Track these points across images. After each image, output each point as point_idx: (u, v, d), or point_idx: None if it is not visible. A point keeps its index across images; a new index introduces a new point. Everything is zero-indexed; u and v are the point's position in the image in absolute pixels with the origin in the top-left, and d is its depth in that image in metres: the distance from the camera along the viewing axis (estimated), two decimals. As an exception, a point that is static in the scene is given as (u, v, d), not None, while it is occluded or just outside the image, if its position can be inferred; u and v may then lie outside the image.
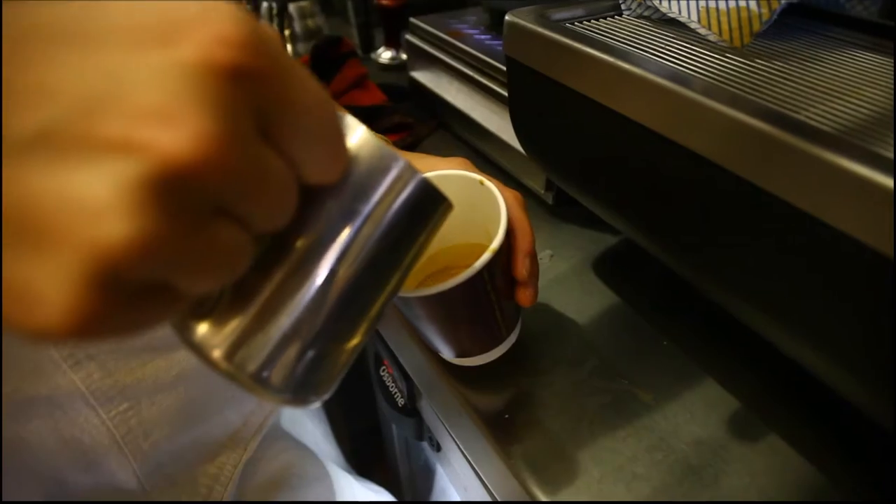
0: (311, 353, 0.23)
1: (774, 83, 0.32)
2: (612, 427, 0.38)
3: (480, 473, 0.43)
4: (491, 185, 0.36)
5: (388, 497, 0.74)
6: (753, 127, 0.27)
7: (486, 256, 0.31)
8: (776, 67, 0.34)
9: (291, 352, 0.22)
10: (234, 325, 0.21)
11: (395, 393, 0.59)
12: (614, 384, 0.40)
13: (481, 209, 0.37)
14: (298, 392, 0.23)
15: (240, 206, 0.17)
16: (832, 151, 0.25)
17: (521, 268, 0.35)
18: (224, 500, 0.50)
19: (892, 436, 0.29)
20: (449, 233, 0.40)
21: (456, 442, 0.47)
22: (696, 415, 0.39)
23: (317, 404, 0.25)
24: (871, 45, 0.37)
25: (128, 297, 0.15)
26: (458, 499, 0.72)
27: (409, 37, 0.73)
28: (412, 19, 0.72)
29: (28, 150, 0.14)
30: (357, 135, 0.22)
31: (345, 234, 0.22)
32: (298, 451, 0.61)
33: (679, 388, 0.40)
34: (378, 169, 0.23)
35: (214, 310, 0.21)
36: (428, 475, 0.85)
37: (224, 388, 0.50)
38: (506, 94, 0.57)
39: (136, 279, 0.15)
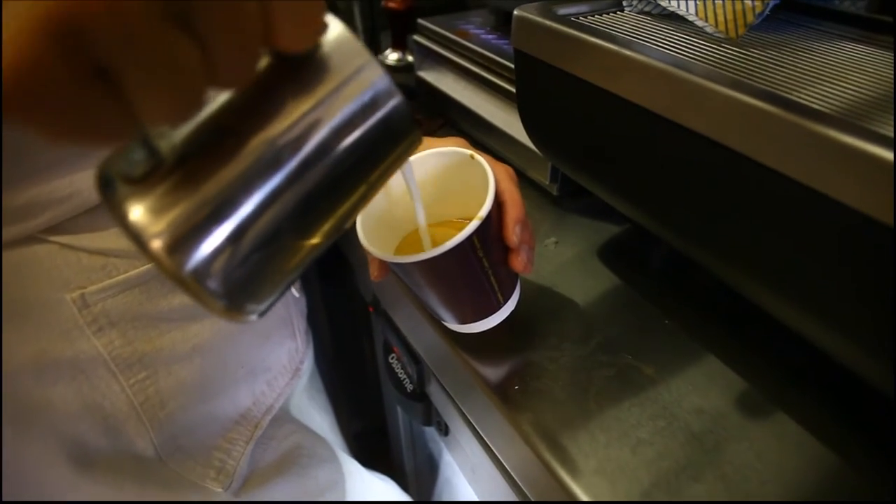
0: (256, 254, 0.21)
1: (768, 69, 0.35)
2: (617, 398, 0.40)
3: (491, 445, 0.45)
4: (481, 159, 0.38)
5: (394, 485, 0.76)
6: (752, 105, 0.30)
7: (473, 223, 0.33)
8: (769, 55, 0.37)
9: (237, 248, 0.21)
10: (175, 213, 0.20)
11: (404, 379, 0.61)
12: (618, 359, 0.42)
13: (474, 184, 0.38)
14: (234, 298, 0.22)
15: (207, 11, 0.16)
16: (825, 126, 0.27)
17: (511, 234, 0.37)
18: (236, 474, 0.52)
19: (891, 398, 0.31)
20: (444, 209, 0.42)
21: (467, 418, 0.48)
22: (697, 387, 0.40)
23: (253, 317, 0.23)
24: (860, 37, 0.39)
25: (71, 69, 0.15)
26: (462, 489, 0.74)
27: (416, 37, 0.75)
28: (420, 20, 0.74)
29: None
30: (335, 30, 0.22)
31: (302, 126, 0.21)
32: (309, 433, 0.63)
33: (680, 363, 0.42)
34: (352, 66, 0.22)
35: (154, 187, 0.20)
36: (432, 468, 0.87)
37: (237, 366, 0.52)
38: (512, 90, 0.59)
39: (91, 43, 0.15)
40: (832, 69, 0.35)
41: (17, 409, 0.44)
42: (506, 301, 0.41)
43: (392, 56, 0.93)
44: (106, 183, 0.20)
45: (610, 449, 0.37)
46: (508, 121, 0.62)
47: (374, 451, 1.06)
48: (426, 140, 0.41)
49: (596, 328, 0.45)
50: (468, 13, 0.78)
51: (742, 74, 0.34)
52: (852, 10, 0.42)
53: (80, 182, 0.39)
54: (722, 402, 0.39)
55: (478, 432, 0.48)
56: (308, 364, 0.67)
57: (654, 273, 0.51)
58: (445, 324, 0.42)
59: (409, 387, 0.60)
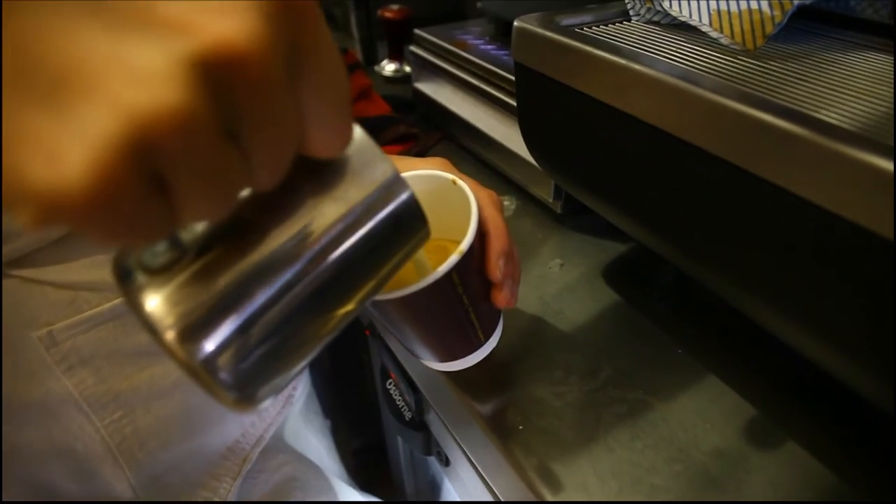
0: (268, 346, 0.22)
1: (790, 84, 0.32)
2: (629, 438, 0.37)
3: (493, 487, 0.42)
4: (463, 185, 0.35)
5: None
6: (773, 125, 0.27)
7: (453, 258, 0.30)
8: (790, 68, 0.34)
9: (250, 341, 0.21)
10: (192, 305, 0.20)
11: (402, 406, 0.58)
12: (629, 394, 0.40)
13: (455, 208, 0.35)
14: (245, 390, 0.22)
15: (256, 124, 0.17)
16: (854, 148, 0.24)
17: (495, 269, 0.33)
18: None
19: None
20: None
21: (467, 455, 0.46)
22: (714, 425, 0.38)
23: (264, 405, 0.24)
24: (885, 47, 0.37)
25: (140, 183, 0.15)
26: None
27: (413, 48, 0.73)
28: (417, 31, 0.72)
29: (87, 13, 0.14)
30: (355, 132, 0.22)
31: (320, 223, 0.22)
32: (301, 464, 0.60)
33: (696, 397, 0.39)
34: (369, 169, 0.23)
35: (173, 278, 0.20)
36: (434, 491, 0.83)
37: None
38: (512, 103, 0.57)
39: (158, 158, 0.15)
40: (859, 83, 0.32)
41: None
42: (487, 339, 0.37)
43: (389, 67, 0.91)
44: (124, 273, 0.21)
45: (623, 496, 0.34)
46: (509, 135, 0.59)
47: (374, 469, 1.03)
48: (408, 161, 0.39)
49: (604, 359, 0.42)
50: (466, 23, 0.75)
51: (762, 90, 0.31)
52: (876, 17, 0.39)
53: None
54: (741, 442, 0.37)
55: (479, 471, 0.45)
56: (302, 389, 0.65)
57: (665, 295, 0.48)
58: (422, 361, 0.39)
59: (408, 415, 0.57)
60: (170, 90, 0.14)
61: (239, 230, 0.21)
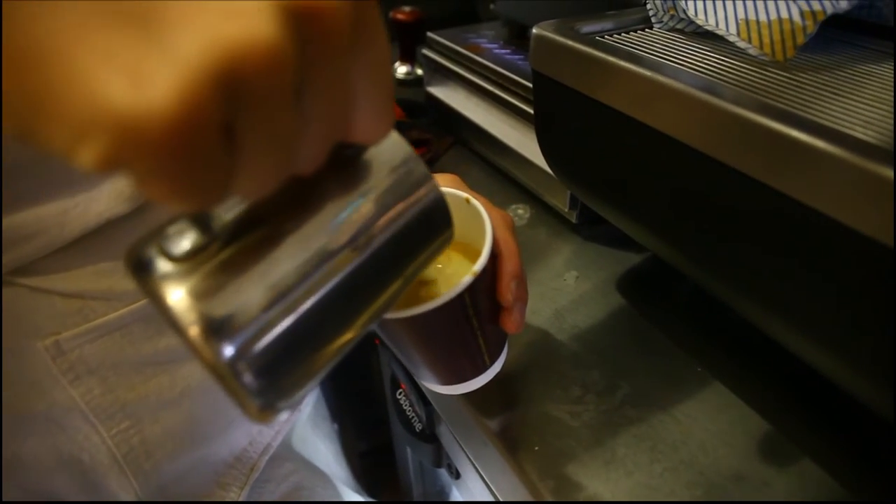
0: (296, 348, 0.21)
1: (822, 98, 0.31)
2: (648, 461, 0.36)
3: (506, 507, 0.41)
4: (477, 204, 0.34)
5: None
6: (807, 144, 0.26)
7: (466, 279, 0.30)
8: (822, 81, 0.33)
9: (281, 339, 0.20)
10: (223, 299, 0.19)
11: (413, 418, 0.57)
12: (647, 414, 0.38)
13: (468, 228, 0.35)
14: (268, 395, 0.21)
15: (322, 85, 0.17)
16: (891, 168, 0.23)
17: (507, 292, 0.33)
18: None
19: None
20: None
21: (479, 472, 0.45)
22: (735, 448, 0.36)
23: (283, 416, 0.22)
24: (919, 58, 0.35)
25: (216, 125, 0.14)
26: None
27: (426, 51, 0.71)
28: (430, 34, 0.71)
29: None
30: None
31: (355, 220, 0.22)
32: (309, 472, 0.59)
33: (716, 417, 0.38)
34: (400, 164, 0.23)
35: (198, 268, 0.19)
36: (443, 499, 0.83)
37: (230, 407, 0.48)
38: (527, 109, 0.56)
39: (240, 96, 0.15)
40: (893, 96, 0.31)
41: None
42: (492, 363, 0.36)
43: (401, 69, 0.90)
44: (142, 263, 0.19)
45: (642, 523, 0.33)
46: (523, 142, 0.58)
47: (380, 472, 1.02)
48: None
49: (622, 377, 0.41)
50: (479, 25, 0.74)
51: (793, 104, 0.30)
52: (910, 27, 0.37)
53: (50, 218, 0.35)
54: (764, 466, 0.35)
55: (493, 490, 0.44)
56: (310, 395, 0.64)
57: (682, 309, 0.47)
58: (423, 383, 0.38)
59: (419, 426, 0.56)
60: (262, 25, 0.14)
61: (269, 221, 0.21)
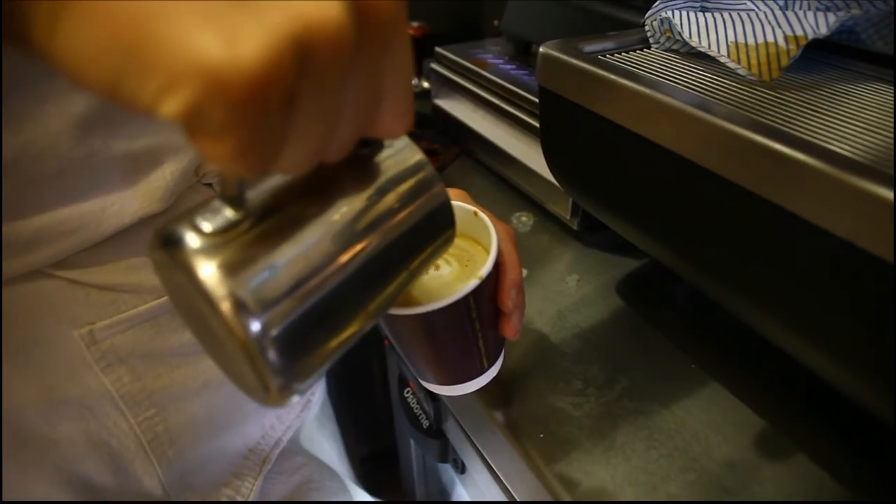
0: (318, 328, 0.22)
1: (804, 114, 0.34)
2: (645, 448, 0.38)
3: (513, 492, 0.44)
4: (484, 217, 0.37)
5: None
6: (787, 155, 0.29)
7: (473, 282, 0.32)
8: (804, 99, 0.36)
9: (305, 319, 0.21)
10: (249, 275, 0.20)
11: (420, 415, 0.60)
12: (645, 405, 0.41)
13: (475, 239, 0.38)
14: (287, 374, 0.21)
15: (362, 79, 0.19)
16: (868, 180, 0.26)
17: (507, 299, 0.35)
18: None
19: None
20: None
21: (486, 461, 0.47)
22: (726, 436, 0.39)
23: (294, 398, 0.23)
24: (893, 78, 0.38)
25: (287, 87, 0.16)
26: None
27: (434, 66, 0.75)
28: (438, 49, 0.74)
29: None
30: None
31: (370, 212, 0.23)
32: (317, 466, 0.62)
33: (708, 410, 0.41)
34: (410, 166, 0.25)
35: (230, 243, 0.20)
36: (445, 499, 0.85)
37: (246, 400, 0.51)
38: (532, 122, 0.59)
39: (309, 63, 0.17)
40: (869, 114, 0.34)
41: (22, 447, 0.43)
42: (489, 367, 0.38)
43: (408, 82, 0.93)
44: (171, 237, 0.20)
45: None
46: (527, 152, 0.61)
47: (381, 476, 1.04)
48: None
49: (621, 372, 0.44)
50: (484, 42, 0.78)
51: (777, 120, 0.33)
52: (886, 50, 0.41)
53: (89, 215, 0.38)
54: (753, 454, 0.38)
55: (498, 476, 0.46)
56: (319, 394, 0.66)
57: (678, 311, 0.50)
58: (423, 382, 0.40)
59: (426, 423, 0.59)
60: (335, 9, 0.16)
61: (294, 207, 0.22)
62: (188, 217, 0.20)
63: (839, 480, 0.36)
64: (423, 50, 0.90)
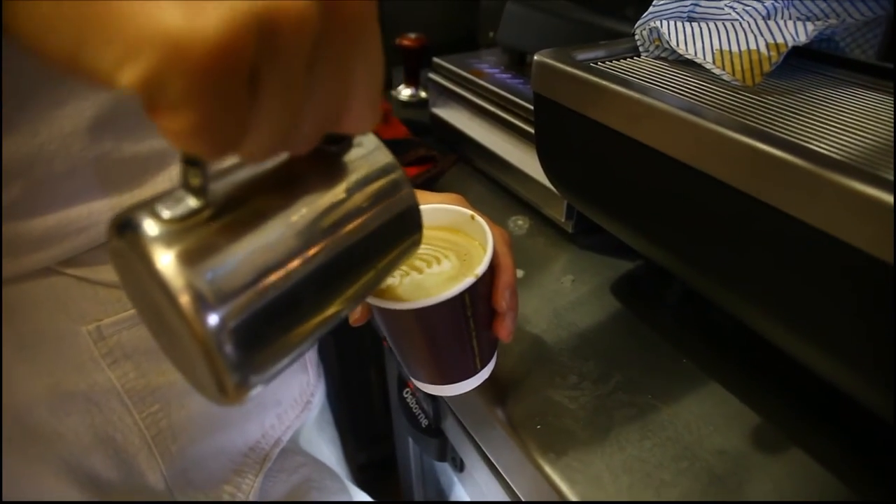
0: (276, 323, 0.21)
1: (785, 117, 0.36)
2: (639, 438, 0.40)
3: (511, 484, 0.45)
4: (481, 220, 0.38)
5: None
6: (772, 155, 0.30)
7: (468, 280, 0.33)
8: (785, 102, 0.38)
9: (260, 318, 0.20)
10: (208, 267, 0.19)
11: (419, 414, 0.61)
12: (638, 398, 0.43)
13: (471, 241, 0.39)
14: (244, 370, 0.21)
15: (328, 72, 0.19)
16: (845, 176, 0.28)
17: (501, 299, 0.36)
18: None
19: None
20: None
21: (485, 456, 0.48)
22: (717, 427, 0.41)
23: (255, 391, 0.22)
24: (871, 84, 0.41)
25: (246, 65, 0.16)
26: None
27: (432, 75, 0.77)
28: (435, 59, 0.76)
29: None
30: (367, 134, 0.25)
31: (335, 210, 0.23)
32: (318, 466, 0.63)
33: (700, 402, 0.42)
34: (379, 168, 0.26)
35: (188, 233, 0.19)
36: (442, 499, 0.86)
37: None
38: (527, 129, 0.61)
39: (269, 45, 0.17)
40: (847, 117, 0.36)
41: (30, 441, 0.44)
42: (482, 367, 0.39)
43: (405, 92, 0.95)
44: (129, 222, 0.19)
45: (633, 490, 0.37)
46: (523, 158, 0.63)
47: (379, 485, 1.05)
48: (425, 195, 0.41)
49: (615, 367, 0.45)
50: (480, 52, 0.80)
51: (760, 122, 0.35)
52: (863, 58, 0.43)
53: (98, 214, 0.39)
54: (742, 443, 0.40)
55: (496, 469, 0.48)
56: (319, 397, 0.67)
57: (670, 310, 0.51)
58: (415, 381, 0.41)
59: (424, 422, 0.60)
60: None
61: (258, 200, 0.22)
62: (148, 204, 0.20)
63: (827, 467, 0.38)
64: (420, 60, 0.92)
